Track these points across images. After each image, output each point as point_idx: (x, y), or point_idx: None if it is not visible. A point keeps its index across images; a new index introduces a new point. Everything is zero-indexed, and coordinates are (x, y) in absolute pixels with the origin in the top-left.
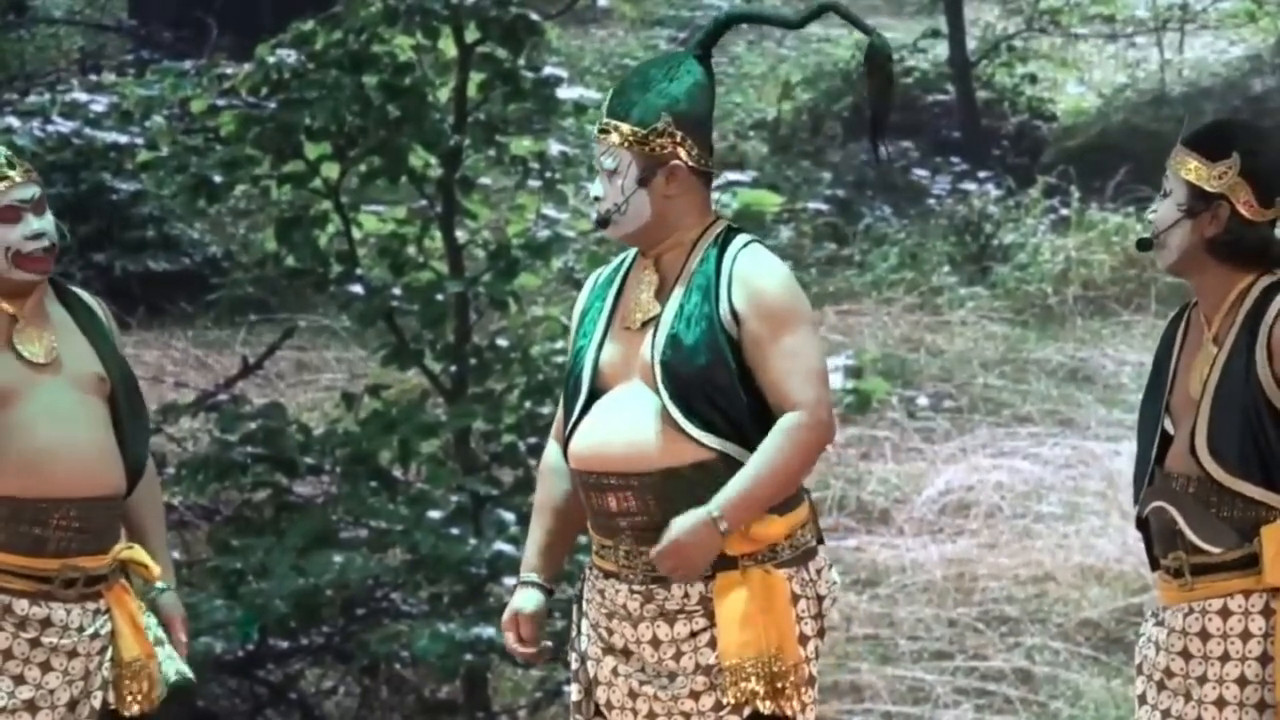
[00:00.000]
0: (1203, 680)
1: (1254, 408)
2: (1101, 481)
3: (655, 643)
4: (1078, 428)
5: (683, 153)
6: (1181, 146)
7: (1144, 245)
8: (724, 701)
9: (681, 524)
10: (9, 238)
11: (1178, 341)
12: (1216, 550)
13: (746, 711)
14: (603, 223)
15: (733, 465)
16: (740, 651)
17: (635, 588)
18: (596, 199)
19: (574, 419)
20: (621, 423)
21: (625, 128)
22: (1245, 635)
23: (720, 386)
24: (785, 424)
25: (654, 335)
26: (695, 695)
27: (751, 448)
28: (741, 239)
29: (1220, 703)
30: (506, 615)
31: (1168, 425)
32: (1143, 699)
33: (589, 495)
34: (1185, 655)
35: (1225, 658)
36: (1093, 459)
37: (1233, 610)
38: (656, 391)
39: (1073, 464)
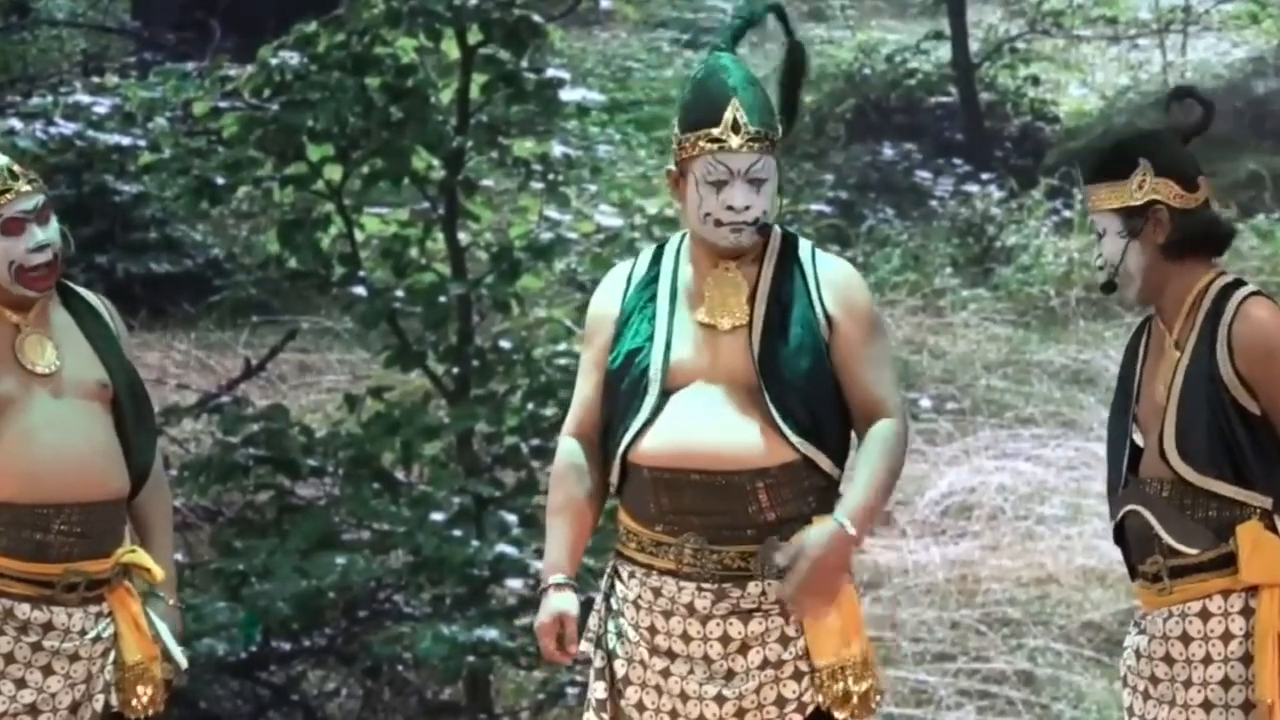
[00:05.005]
0: (1187, 684)
1: (1220, 407)
2: (1104, 484)
3: (724, 639)
4: (1080, 429)
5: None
6: (1089, 187)
7: (1109, 288)
8: (805, 700)
9: (817, 540)
10: (12, 251)
11: (1140, 353)
12: (1193, 551)
13: (809, 710)
14: (763, 229)
15: (812, 467)
16: (839, 651)
17: (705, 585)
18: (746, 208)
19: (644, 417)
20: (711, 421)
21: (774, 136)
22: (1226, 636)
23: (819, 390)
24: (884, 433)
25: (750, 338)
26: (758, 690)
27: (827, 449)
28: (806, 243)
29: (1206, 705)
30: (548, 619)
31: (1137, 438)
32: (1130, 711)
33: (659, 491)
34: (1168, 660)
35: (1207, 660)
36: (1095, 461)
37: (1212, 612)
38: (758, 393)
39: (1075, 466)
